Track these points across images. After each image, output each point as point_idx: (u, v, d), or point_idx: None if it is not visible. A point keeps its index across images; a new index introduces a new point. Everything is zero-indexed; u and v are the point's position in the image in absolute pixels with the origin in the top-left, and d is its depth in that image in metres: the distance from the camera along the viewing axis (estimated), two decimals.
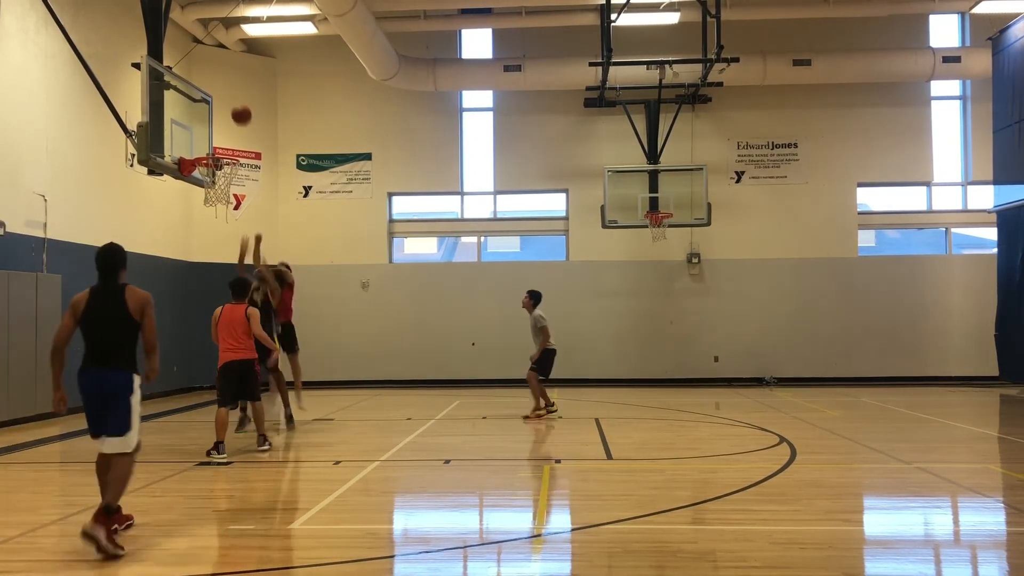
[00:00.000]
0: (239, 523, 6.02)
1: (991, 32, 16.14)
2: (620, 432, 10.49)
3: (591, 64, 16.46)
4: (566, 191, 18.63)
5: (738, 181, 18.31)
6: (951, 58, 16.95)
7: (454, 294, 18.43)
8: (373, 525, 6.07)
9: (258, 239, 10.61)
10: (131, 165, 13.32)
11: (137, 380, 5.49)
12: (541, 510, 6.42)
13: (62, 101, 12.84)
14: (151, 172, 10.62)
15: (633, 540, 5.39)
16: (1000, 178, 15.88)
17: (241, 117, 10.54)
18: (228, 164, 11.23)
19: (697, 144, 18.10)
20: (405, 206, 19.26)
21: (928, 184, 18.45)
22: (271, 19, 15.82)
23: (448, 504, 6.80)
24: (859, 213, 18.42)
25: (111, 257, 5.66)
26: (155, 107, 10.00)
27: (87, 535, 5.01)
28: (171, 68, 11.05)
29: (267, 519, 6.13)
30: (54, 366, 5.53)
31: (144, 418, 12.01)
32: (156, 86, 10.12)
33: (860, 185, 18.38)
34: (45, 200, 12.34)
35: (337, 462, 8.37)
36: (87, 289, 5.65)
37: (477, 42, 18.90)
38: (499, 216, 19.06)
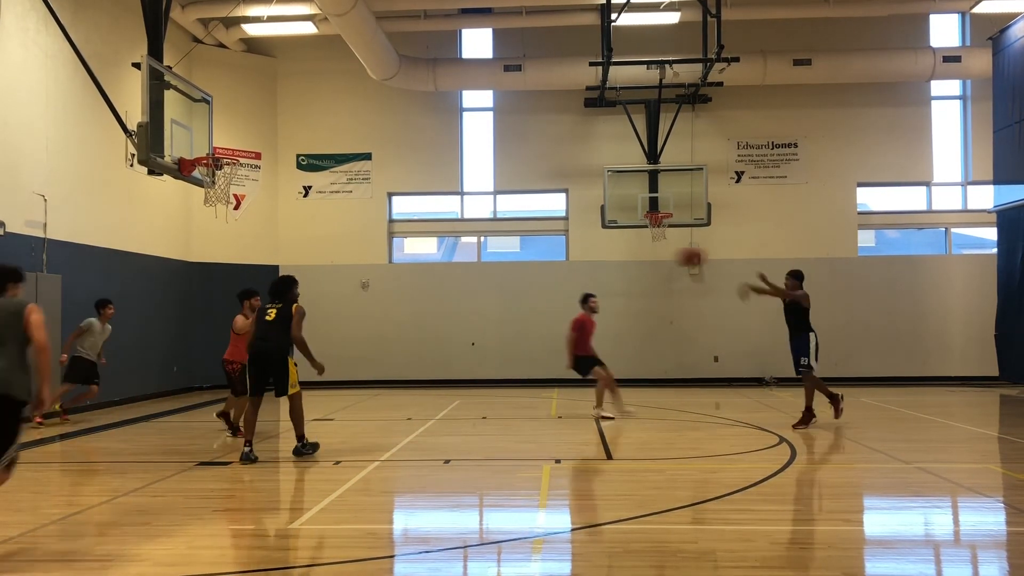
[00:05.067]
0: (239, 523, 6.01)
1: (991, 32, 16.14)
2: (620, 432, 10.49)
3: (591, 64, 16.46)
4: (566, 191, 18.63)
5: (738, 181, 18.31)
6: (951, 58, 16.95)
7: (454, 294, 18.42)
8: (373, 525, 6.07)
9: None
10: (131, 165, 13.33)
11: None
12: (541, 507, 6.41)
13: (62, 101, 12.83)
14: (151, 172, 10.61)
15: (633, 540, 5.39)
16: (1000, 178, 15.88)
17: (690, 259, 13.52)
18: (228, 164, 11.22)
19: (697, 144, 18.10)
20: (405, 206, 19.26)
21: (928, 184, 18.45)
22: (271, 19, 15.82)
23: (448, 504, 6.79)
24: (859, 213, 18.41)
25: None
26: (155, 107, 9.99)
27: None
28: (171, 68, 11.04)
29: (267, 519, 6.13)
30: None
31: (144, 418, 12.10)
32: (156, 86, 10.11)
33: (860, 185, 18.38)
34: (45, 200, 12.33)
35: (337, 462, 8.37)
36: None
37: (477, 42, 18.89)
38: (499, 216, 19.05)
